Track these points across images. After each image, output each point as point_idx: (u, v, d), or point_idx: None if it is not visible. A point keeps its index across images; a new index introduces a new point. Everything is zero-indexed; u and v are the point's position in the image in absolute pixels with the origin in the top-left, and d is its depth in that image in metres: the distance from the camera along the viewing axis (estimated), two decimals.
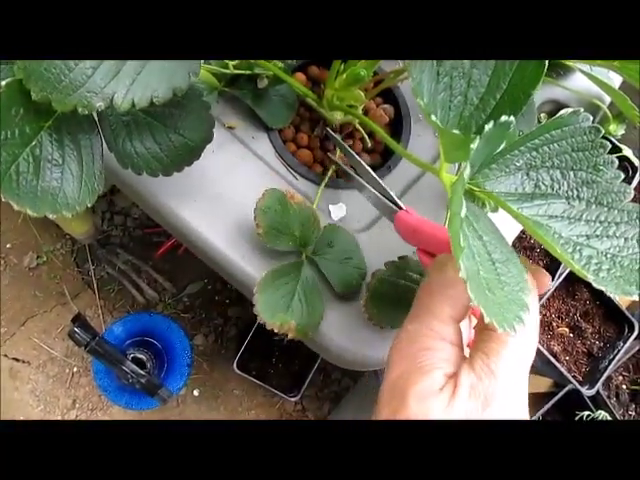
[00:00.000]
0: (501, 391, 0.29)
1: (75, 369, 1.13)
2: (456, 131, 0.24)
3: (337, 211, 0.57)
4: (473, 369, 0.30)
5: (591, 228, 0.36)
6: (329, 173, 0.57)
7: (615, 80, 0.65)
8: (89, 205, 0.40)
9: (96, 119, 0.41)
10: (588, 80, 0.60)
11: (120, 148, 0.42)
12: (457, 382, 0.30)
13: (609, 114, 0.64)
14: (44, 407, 1.11)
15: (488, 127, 0.24)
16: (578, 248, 0.34)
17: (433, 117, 0.24)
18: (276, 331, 0.46)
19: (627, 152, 0.80)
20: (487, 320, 0.24)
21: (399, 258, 0.49)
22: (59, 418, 1.11)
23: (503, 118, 0.25)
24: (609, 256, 0.34)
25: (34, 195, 0.37)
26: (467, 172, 0.24)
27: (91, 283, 1.15)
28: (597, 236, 0.35)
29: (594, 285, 0.30)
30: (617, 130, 0.64)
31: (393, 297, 0.48)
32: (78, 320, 0.72)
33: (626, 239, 0.35)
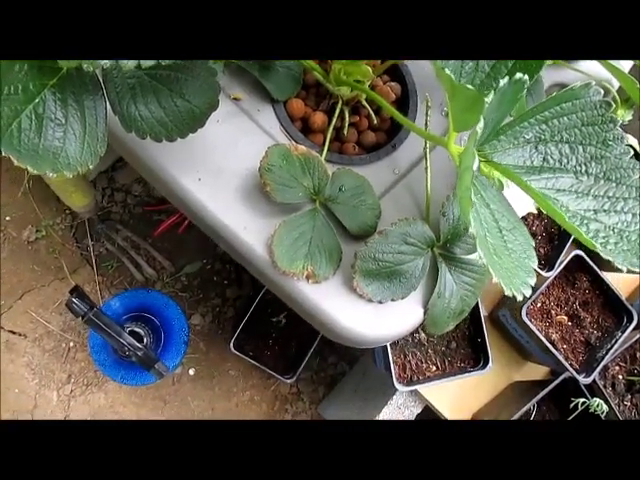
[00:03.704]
0: None
1: (71, 344, 1.12)
2: (470, 86, 0.24)
3: None
4: None
5: (599, 203, 0.35)
6: (327, 142, 0.56)
7: (625, 64, 0.65)
8: (91, 167, 0.39)
9: (101, 80, 0.41)
10: (598, 64, 0.59)
11: (124, 111, 0.41)
12: None
13: (618, 99, 0.63)
14: (39, 380, 1.11)
15: (503, 82, 0.24)
16: (585, 222, 0.34)
17: (447, 70, 0.23)
18: (296, 278, 0.48)
19: (632, 141, 0.79)
20: (495, 280, 0.24)
21: (378, 233, 0.49)
22: (54, 392, 1.11)
23: (518, 75, 0.25)
24: (616, 230, 0.34)
25: (35, 153, 0.37)
26: (481, 125, 0.23)
27: (90, 259, 1.15)
28: (605, 211, 0.35)
29: (602, 256, 0.29)
30: (625, 116, 0.63)
31: (382, 272, 0.49)
32: (76, 291, 0.71)
33: (634, 214, 0.35)
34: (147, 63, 0.36)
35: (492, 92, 0.23)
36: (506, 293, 0.25)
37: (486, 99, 0.23)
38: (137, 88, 0.42)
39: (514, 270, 0.27)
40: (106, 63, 0.35)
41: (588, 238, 0.31)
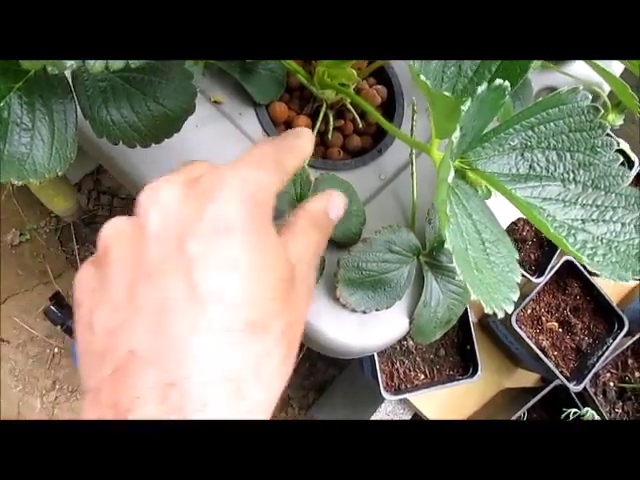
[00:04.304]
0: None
1: (56, 350, 1.11)
2: (447, 93, 0.22)
3: None
4: None
5: (587, 212, 0.34)
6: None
7: (616, 68, 0.63)
8: (59, 173, 0.38)
9: (71, 84, 0.39)
10: (588, 67, 0.58)
11: (95, 115, 0.40)
12: None
13: (608, 103, 0.62)
14: (23, 387, 1.09)
15: (481, 88, 0.22)
16: (573, 232, 0.33)
17: (422, 77, 0.22)
18: None
19: (624, 145, 0.79)
20: (474, 297, 0.23)
21: (361, 241, 0.48)
22: (38, 399, 1.09)
23: (498, 81, 0.24)
24: (605, 241, 0.33)
25: None
26: (457, 134, 0.22)
27: (75, 263, 1.13)
28: (593, 220, 0.34)
29: (589, 268, 0.28)
30: (616, 120, 0.62)
31: (366, 281, 0.47)
32: (56, 298, 0.69)
33: (623, 224, 0.34)
34: (116, 64, 0.35)
35: (469, 99, 0.22)
36: (486, 311, 0.23)
37: (462, 107, 0.21)
38: (109, 91, 0.40)
39: (496, 285, 0.26)
40: (72, 64, 0.34)
41: (574, 250, 0.30)
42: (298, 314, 0.28)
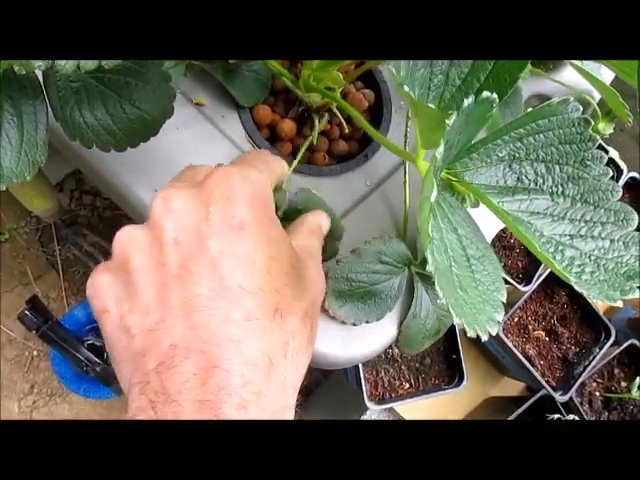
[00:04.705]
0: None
1: (35, 353, 1.08)
2: (431, 105, 0.21)
3: None
4: None
5: (575, 227, 0.33)
6: (298, 156, 0.53)
7: (606, 76, 0.63)
8: (28, 178, 0.36)
9: (42, 84, 0.38)
10: (578, 75, 0.57)
11: (67, 117, 0.38)
12: None
13: (599, 112, 0.61)
14: (0, 391, 1.06)
15: (468, 102, 0.21)
16: (560, 248, 0.32)
17: (406, 87, 0.21)
18: None
19: (613, 154, 0.78)
20: (456, 321, 0.21)
21: (351, 252, 0.46)
22: (15, 403, 1.06)
23: (485, 94, 0.22)
24: (593, 258, 0.31)
25: None
26: (441, 150, 0.21)
27: (56, 264, 1.11)
28: (581, 236, 0.33)
29: (576, 288, 0.27)
30: (606, 129, 0.61)
31: (355, 292, 0.46)
32: (33, 302, 0.67)
33: (612, 241, 0.33)
34: (88, 64, 0.33)
35: (454, 113, 0.20)
36: (469, 334, 0.22)
37: (448, 121, 0.20)
38: (82, 93, 0.38)
39: (480, 305, 0.25)
40: (41, 65, 0.32)
41: (560, 268, 0.29)
42: (314, 296, 0.31)
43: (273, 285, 0.26)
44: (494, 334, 0.24)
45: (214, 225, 0.27)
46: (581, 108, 0.34)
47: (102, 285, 0.28)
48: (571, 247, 0.32)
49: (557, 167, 0.34)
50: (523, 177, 0.34)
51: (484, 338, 0.23)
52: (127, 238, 0.28)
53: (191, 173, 0.34)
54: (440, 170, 0.27)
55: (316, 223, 0.38)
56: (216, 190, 0.28)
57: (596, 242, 0.33)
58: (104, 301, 0.27)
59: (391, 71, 0.24)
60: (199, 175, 0.32)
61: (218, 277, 0.25)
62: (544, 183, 0.34)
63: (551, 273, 0.86)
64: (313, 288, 0.31)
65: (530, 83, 0.63)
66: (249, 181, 0.29)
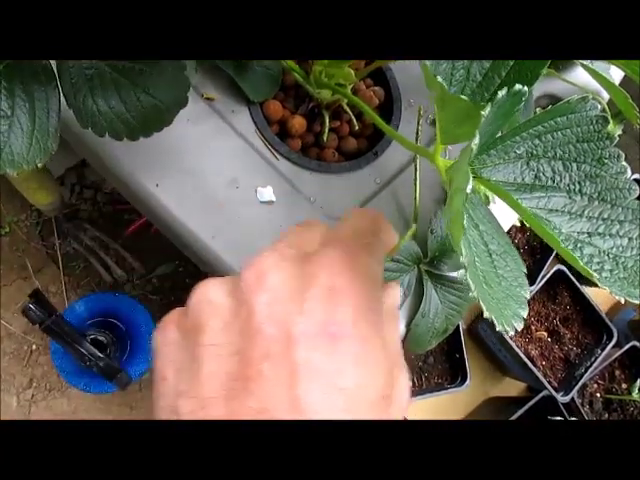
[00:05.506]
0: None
1: (34, 347, 1.07)
2: (464, 97, 0.21)
3: (265, 194, 0.51)
4: None
5: (593, 225, 0.33)
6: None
7: (616, 76, 0.63)
8: (39, 165, 0.36)
9: (55, 70, 0.37)
10: (588, 75, 0.57)
11: (80, 104, 0.38)
12: None
13: (608, 112, 0.61)
14: None
15: (502, 94, 0.21)
16: (579, 245, 0.32)
17: (439, 78, 0.20)
18: None
19: None
20: (487, 315, 0.21)
21: None
22: (14, 397, 1.05)
23: (517, 87, 0.22)
24: (611, 256, 0.31)
25: None
26: (476, 141, 0.20)
27: (56, 258, 1.10)
28: (599, 234, 0.32)
29: (599, 285, 0.26)
30: (615, 130, 0.61)
31: None
32: (35, 296, 0.67)
33: (630, 239, 0.32)
34: None
35: (489, 105, 0.20)
36: (498, 328, 0.22)
37: (482, 112, 0.20)
38: (96, 80, 0.38)
39: (505, 300, 0.24)
40: None
41: (583, 264, 0.28)
42: None
43: (354, 415, 0.23)
44: (519, 329, 0.23)
45: (309, 325, 0.23)
46: (599, 106, 0.34)
47: (167, 344, 0.25)
48: (590, 245, 0.32)
49: (574, 165, 0.34)
50: (541, 175, 0.34)
51: (511, 332, 0.23)
52: (207, 300, 0.25)
53: (301, 237, 0.28)
54: (471, 162, 0.27)
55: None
56: (323, 282, 0.24)
57: (614, 240, 0.33)
58: (164, 367, 0.24)
59: (422, 64, 0.24)
60: (309, 242, 0.27)
61: (294, 394, 0.22)
62: (561, 181, 0.34)
63: (555, 274, 0.86)
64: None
65: (540, 83, 0.63)
66: (366, 279, 0.24)
